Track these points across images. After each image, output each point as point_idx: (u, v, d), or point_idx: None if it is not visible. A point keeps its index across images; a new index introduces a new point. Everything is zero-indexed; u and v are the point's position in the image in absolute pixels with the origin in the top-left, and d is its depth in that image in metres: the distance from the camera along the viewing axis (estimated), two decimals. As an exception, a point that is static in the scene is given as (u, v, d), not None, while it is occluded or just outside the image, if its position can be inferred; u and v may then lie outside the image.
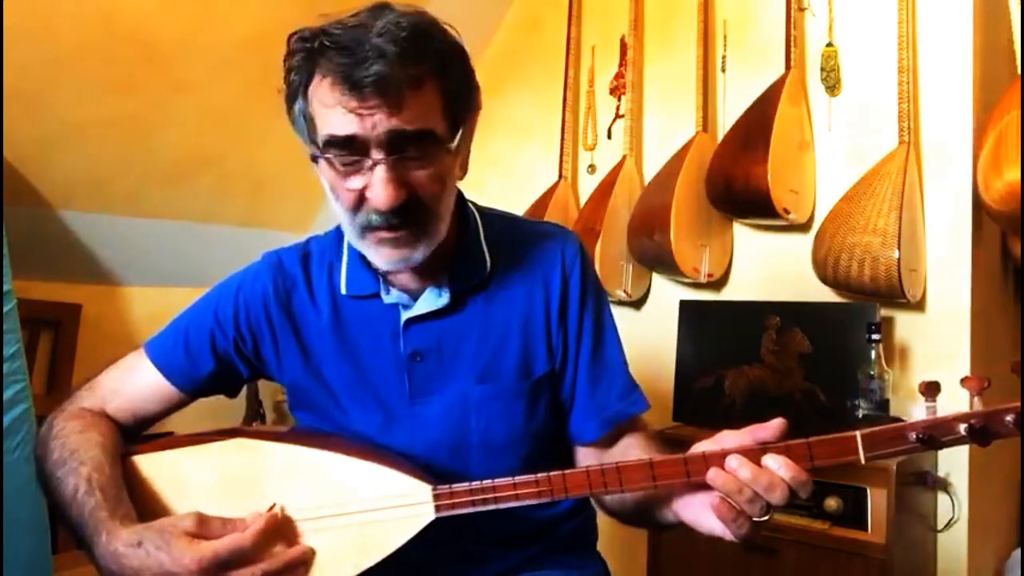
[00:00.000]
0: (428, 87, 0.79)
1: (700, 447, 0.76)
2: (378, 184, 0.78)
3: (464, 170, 0.91)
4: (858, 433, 0.72)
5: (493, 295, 0.95)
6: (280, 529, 0.80)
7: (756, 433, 0.75)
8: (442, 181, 0.83)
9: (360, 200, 0.81)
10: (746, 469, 0.71)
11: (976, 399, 0.71)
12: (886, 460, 1.54)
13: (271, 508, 0.81)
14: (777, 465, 0.71)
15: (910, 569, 1.62)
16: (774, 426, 0.75)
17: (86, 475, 0.83)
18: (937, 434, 0.70)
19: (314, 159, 0.82)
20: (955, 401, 0.73)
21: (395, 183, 0.79)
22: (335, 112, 0.77)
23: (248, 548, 0.76)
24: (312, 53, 0.78)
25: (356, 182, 0.80)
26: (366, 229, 0.83)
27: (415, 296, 0.93)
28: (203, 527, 0.78)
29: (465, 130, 0.86)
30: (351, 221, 0.83)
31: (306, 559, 0.80)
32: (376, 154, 0.78)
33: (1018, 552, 1.87)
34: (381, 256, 0.85)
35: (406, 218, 0.81)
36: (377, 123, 0.76)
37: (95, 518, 0.79)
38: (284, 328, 0.96)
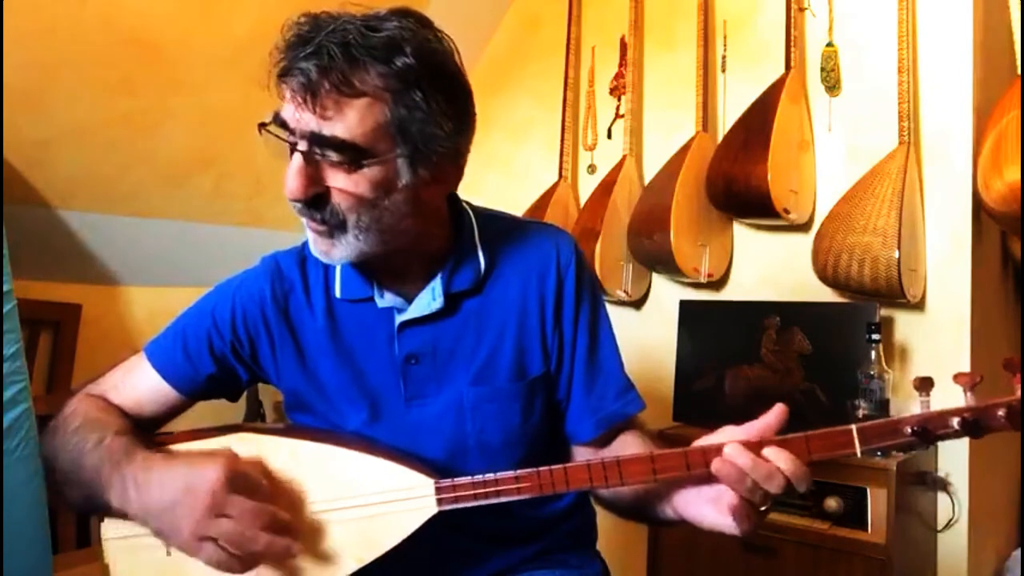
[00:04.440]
0: (367, 101, 0.77)
1: (700, 442, 0.76)
2: (290, 172, 0.80)
3: (428, 199, 0.87)
4: (854, 427, 0.73)
5: (488, 296, 0.95)
6: (294, 504, 0.82)
7: (758, 426, 0.75)
8: (365, 193, 0.80)
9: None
10: (744, 457, 0.72)
11: (968, 394, 0.72)
12: (886, 460, 1.55)
13: None
14: (776, 457, 0.72)
15: (910, 569, 1.62)
16: (775, 413, 0.76)
17: (114, 430, 0.86)
18: (931, 427, 0.71)
19: (260, 127, 0.82)
20: (954, 400, 0.73)
21: (304, 176, 0.79)
22: (280, 94, 0.80)
23: (265, 486, 0.79)
24: (284, 36, 0.79)
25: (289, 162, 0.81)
26: (296, 212, 0.84)
27: (409, 299, 0.93)
28: (234, 455, 0.81)
29: (421, 162, 0.82)
30: None
31: (300, 529, 0.81)
32: (299, 144, 0.79)
33: (1018, 552, 1.87)
34: (310, 244, 0.87)
35: (318, 213, 0.81)
36: (302, 118, 0.77)
37: (130, 445, 0.83)
38: (281, 332, 0.96)
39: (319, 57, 0.75)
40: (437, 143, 0.82)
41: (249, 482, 0.78)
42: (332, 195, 0.80)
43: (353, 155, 0.78)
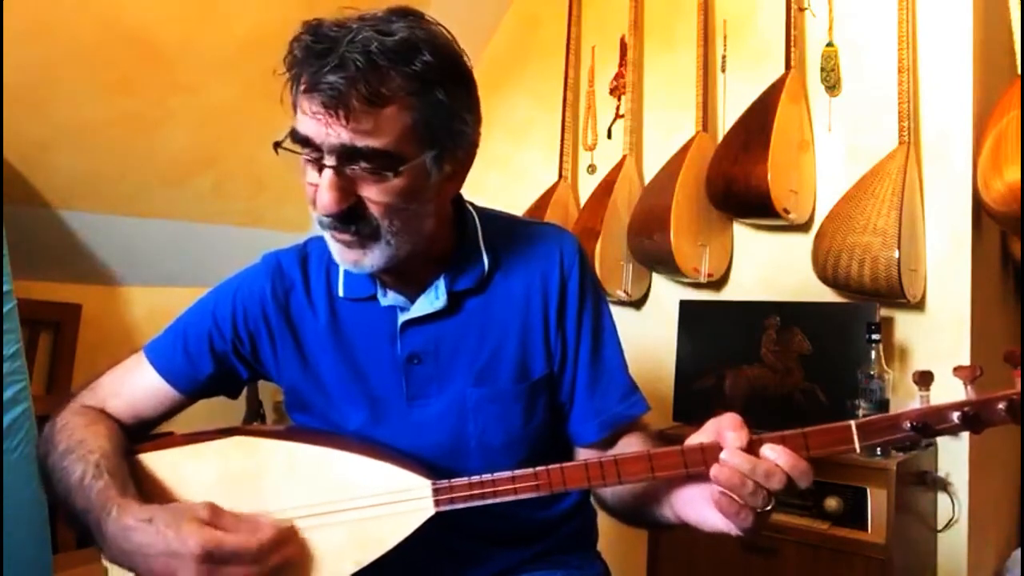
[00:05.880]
0: (395, 107, 0.77)
1: (693, 439, 0.76)
2: (322, 188, 0.79)
3: (446, 196, 0.88)
4: (853, 422, 0.72)
5: (491, 296, 0.94)
6: (286, 540, 0.80)
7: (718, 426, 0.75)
8: (398, 199, 0.80)
9: (315, 197, 0.82)
10: (741, 458, 0.71)
11: (969, 387, 0.72)
12: (886, 460, 1.55)
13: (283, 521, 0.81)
14: (775, 455, 0.71)
15: (910, 569, 1.62)
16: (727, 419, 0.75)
17: (94, 461, 0.83)
18: (931, 422, 0.71)
19: (275, 146, 0.81)
20: (952, 397, 0.73)
21: (337, 191, 0.78)
22: (302, 110, 0.78)
23: (253, 554, 0.76)
24: (294, 52, 0.78)
25: (314, 178, 0.80)
26: (322, 226, 0.83)
27: (412, 298, 0.93)
28: (215, 517, 0.78)
29: (447, 159, 0.83)
30: (313, 214, 0.84)
31: (296, 559, 0.79)
32: (328, 159, 0.78)
33: (1018, 552, 1.87)
34: (336, 255, 0.86)
35: (351, 225, 0.81)
36: (330, 132, 0.76)
37: (104, 496, 0.80)
38: (282, 330, 0.96)
39: (345, 69, 0.74)
40: (463, 137, 0.83)
41: (232, 550, 0.75)
42: (365, 206, 0.80)
43: (386, 163, 0.78)
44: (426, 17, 0.82)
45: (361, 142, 0.76)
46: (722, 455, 0.72)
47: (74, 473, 0.83)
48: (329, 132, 0.76)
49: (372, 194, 0.79)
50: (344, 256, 0.85)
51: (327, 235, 0.84)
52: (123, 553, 0.77)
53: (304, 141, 0.79)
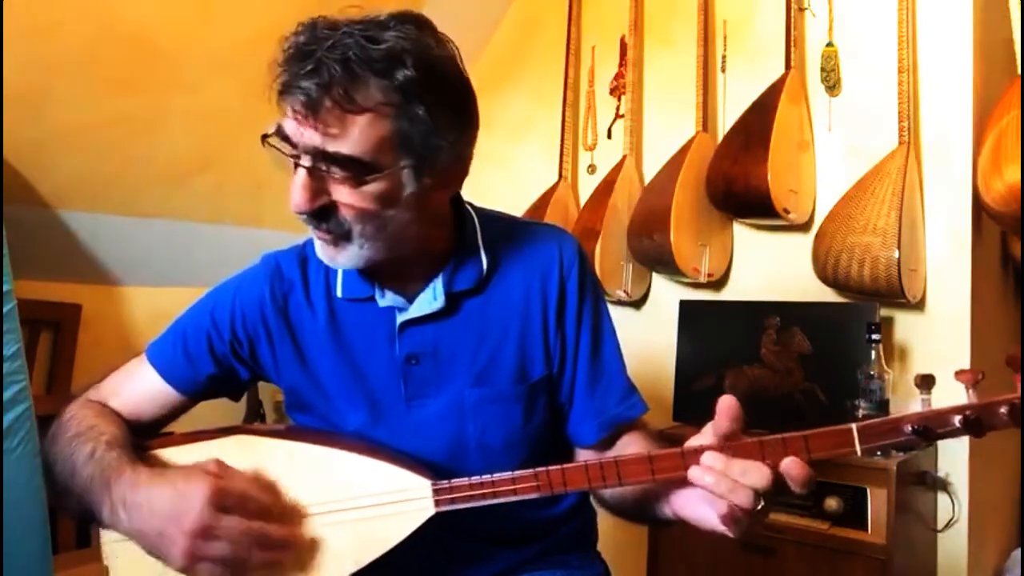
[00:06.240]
0: (370, 116, 0.76)
1: (696, 440, 0.76)
2: (294, 186, 0.80)
3: (432, 204, 0.87)
4: (854, 425, 0.72)
5: (490, 297, 0.94)
6: (288, 514, 0.82)
7: (718, 423, 0.74)
8: (370, 205, 0.80)
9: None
10: (715, 459, 0.71)
11: (970, 391, 0.71)
12: (886, 460, 1.55)
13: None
14: (782, 464, 0.71)
15: (910, 569, 1.62)
16: (726, 407, 0.73)
17: (105, 441, 0.86)
18: (932, 425, 0.71)
19: (263, 139, 0.82)
20: (953, 399, 0.73)
21: (308, 190, 0.79)
22: (283, 110, 0.79)
23: (259, 505, 0.78)
24: (285, 49, 0.78)
25: (291, 173, 0.81)
26: (304, 221, 0.84)
27: (410, 299, 0.93)
28: (223, 468, 0.80)
29: (426, 172, 0.82)
30: None
31: (294, 542, 0.81)
32: (303, 159, 0.79)
33: (1018, 552, 1.87)
34: (316, 250, 0.87)
35: (323, 223, 0.82)
36: (304, 134, 0.77)
37: (118, 462, 0.83)
38: (281, 332, 0.96)
39: (319, 75, 0.74)
40: (441, 153, 0.82)
41: (237, 498, 0.77)
42: (338, 207, 0.81)
43: (357, 170, 0.78)
44: (427, 24, 0.82)
45: (332, 147, 0.76)
46: (702, 459, 0.72)
47: (84, 450, 0.85)
48: (302, 132, 0.77)
49: (342, 197, 0.80)
50: (322, 252, 0.86)
51: (310, 229, 0.85)
52: (130, 508, 0.78)
53: (285, 137, 0.80)
